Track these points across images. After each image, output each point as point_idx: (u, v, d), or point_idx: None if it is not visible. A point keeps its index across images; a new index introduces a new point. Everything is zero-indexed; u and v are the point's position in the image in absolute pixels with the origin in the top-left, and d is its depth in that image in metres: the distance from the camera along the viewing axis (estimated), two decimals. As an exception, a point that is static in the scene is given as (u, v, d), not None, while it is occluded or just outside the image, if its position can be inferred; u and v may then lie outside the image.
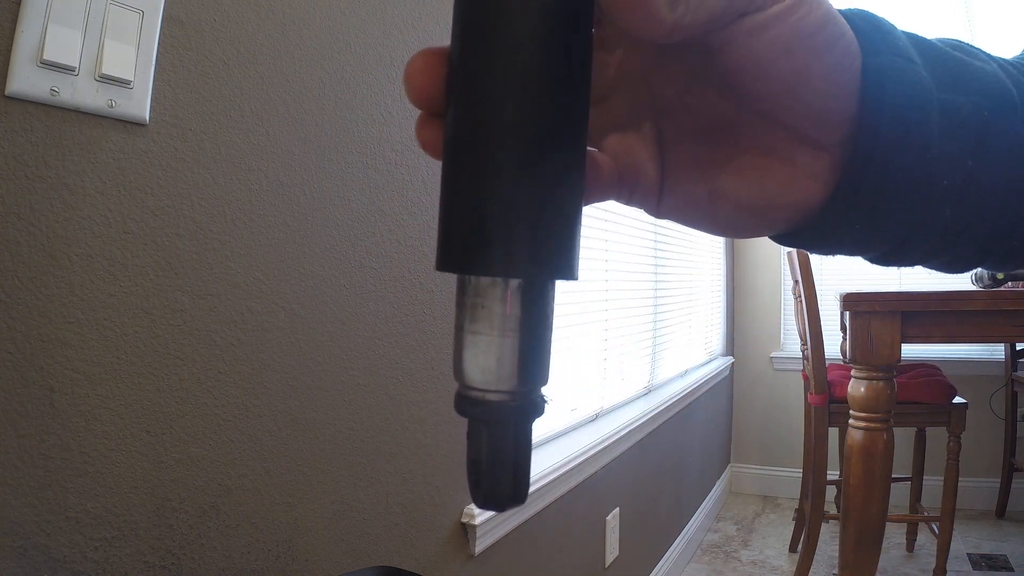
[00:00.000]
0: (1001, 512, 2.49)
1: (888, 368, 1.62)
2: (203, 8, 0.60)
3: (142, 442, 0.54)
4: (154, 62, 0.55)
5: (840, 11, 0.20)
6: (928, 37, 0.22)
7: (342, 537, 0.75)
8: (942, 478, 1.84)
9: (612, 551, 1.55)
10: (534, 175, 0.16)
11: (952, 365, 2.55)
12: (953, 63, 0.20)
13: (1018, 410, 2.52)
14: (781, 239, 0.23)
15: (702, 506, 2.50)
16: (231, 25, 0.62)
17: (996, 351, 2.69)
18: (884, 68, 0.19)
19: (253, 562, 0.64)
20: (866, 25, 0.20)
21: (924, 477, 2.15)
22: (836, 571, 1.86)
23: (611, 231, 1.70)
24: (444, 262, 0.17)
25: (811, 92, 0.19)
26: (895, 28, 0.21)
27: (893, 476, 1.39)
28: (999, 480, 2.51)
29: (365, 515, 0.79)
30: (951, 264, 0.23)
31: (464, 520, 0.97)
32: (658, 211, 0.23)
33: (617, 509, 1.59)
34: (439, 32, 0.93)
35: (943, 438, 1.89)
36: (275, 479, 0.67)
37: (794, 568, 1.99)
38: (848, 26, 0.19)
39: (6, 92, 0.46)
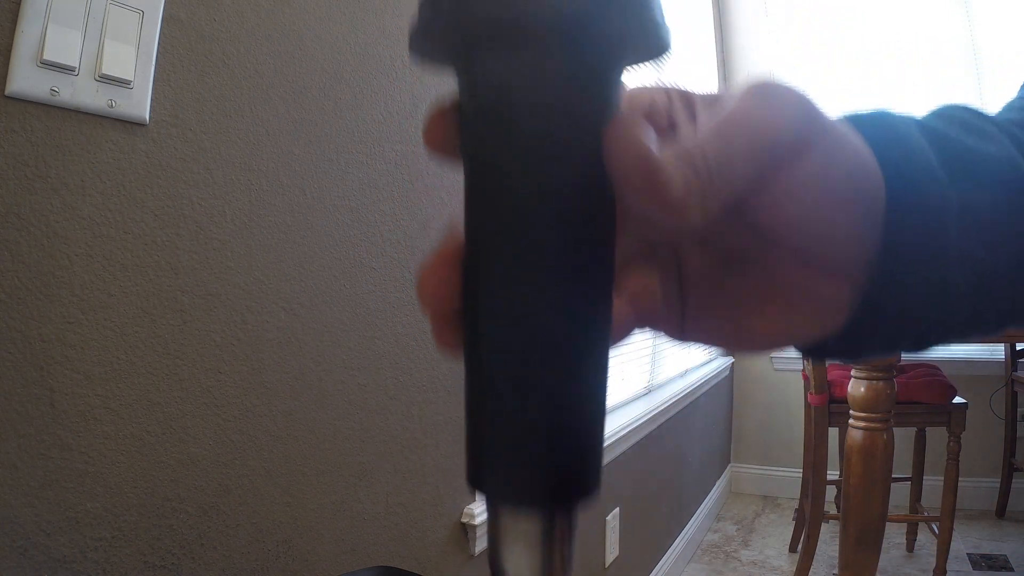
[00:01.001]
0: (1001, 512, 2.49)
1: (888, 368, 1.62)
2: (203, 8, 0.60)
3: (142, 442, 0.54)
4: (154, 62, 0.55)
5: (856, 118, 0.20)
6: (937, 117, 0.22)
7: (342, 537, 0.75)
8: (942, 478, 1.84)
9: (612, 551, 1.55)
10: (551, 393, 0.15)
11: (952, 365, 2.55)
12: (967, 154, 0.21)
13: (1018, 410, 2.52)
14: (803, 353, 0.23)
15: (702, 506, 2.50)
16: (231, 25, 0.62)
17: (996, 351, 2.69)
18: (907, 192, 0.19)
19: (253, 562, 0.64)
20: (884, 138, 0.20)
21: (924, 477, 2.15)
22: (836, 571, 1.86)
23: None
24: (468, 476, 0.16)
25: (838, 237, 0.19)
26: (910, 127, 0.21)
27: (893, 476, 1.39)
28: (999, 480, 2.51)
29: (365, 515, 0.79)
30: (975, 337, 0.23)
31: (464, 520, 0.97)
32: (680, 339, 0.23)
33: (617, 509, 1.58)
34: (439, 32, 0.93)
35: (943, 438, 1.89)
36: (275, 479, 0.67)
37: (794, 568, 1.99)
38: (869, 153, 0.19)
39: (6, 92, 0.46)
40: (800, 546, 2.01)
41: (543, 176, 0.14)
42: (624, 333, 0.19)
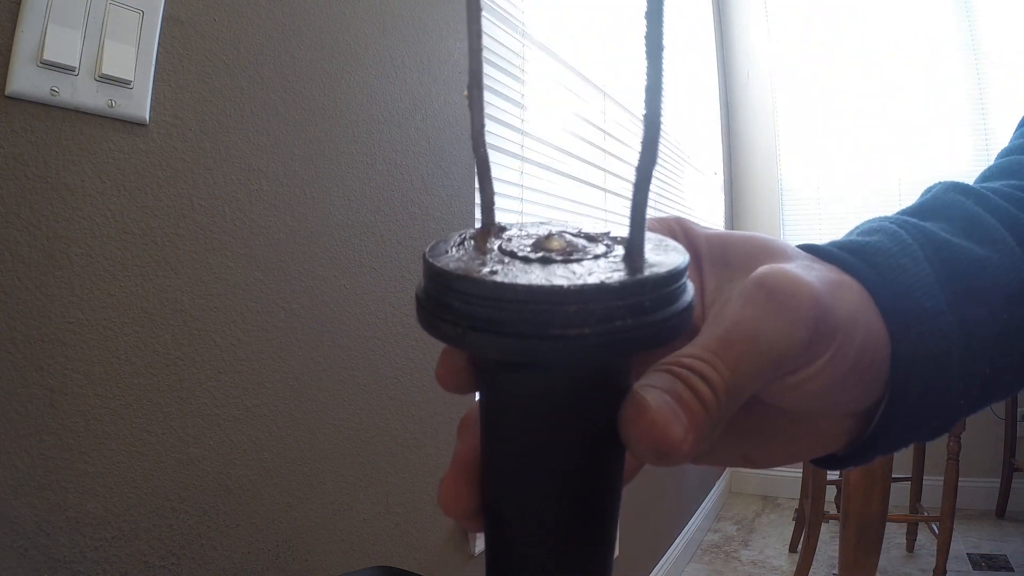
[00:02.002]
0: (1001, 512, 2.49)
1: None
2: (203, 8, 0.60)
3: (142, 442, 0.54)
4: (154, 62, 0.55)
5: (858, 253, 0.20)
6: (940, 209, 0.23)
7: (342, 537, 0.75)
8: (942, 478, 1.84)
9: (612, 551, 1.55)
10: None
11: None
12: (969, 267, 0.20)
13: (1018, 410, 2.52)
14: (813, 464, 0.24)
15: (702, 506, 2.50)
16: (231, 25, 0.62)
17: (996, 351, 2.68)
18: (912, 345, 0.19)
19: (253, 562, 0.64)
20: (888, 289, 0.19)
21: (924, 477, 2.15)
22: (836, 571, 1.86)
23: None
24: None
25: (842, 401, 0.19)
26: (915, 254, 0.20)
27: (893, 476, 1.39)
28: (999, 480, 2.51)
29: (365, 515, 0.79)
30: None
31: (464, 520, 0.97)
32: (691, 462, 0.23)
33: (617, 509, 1.58)
34: (438, 32, 0.93)
35: (943, 438, 1.88)
36: (275, 479, 0.67)
37: (794, 568, 1.99)
38: (877, 318, 0.19)
39: (6, 92, 0.46)
40: (800, 546, 2.02)
41: (556, 449, 0.15)
42: (634, 473, 0.21)
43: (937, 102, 2.83)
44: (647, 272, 0.14)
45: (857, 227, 0.23)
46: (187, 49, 0.58)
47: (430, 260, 0.15)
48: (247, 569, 0.63)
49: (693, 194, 2.56)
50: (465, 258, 0.15)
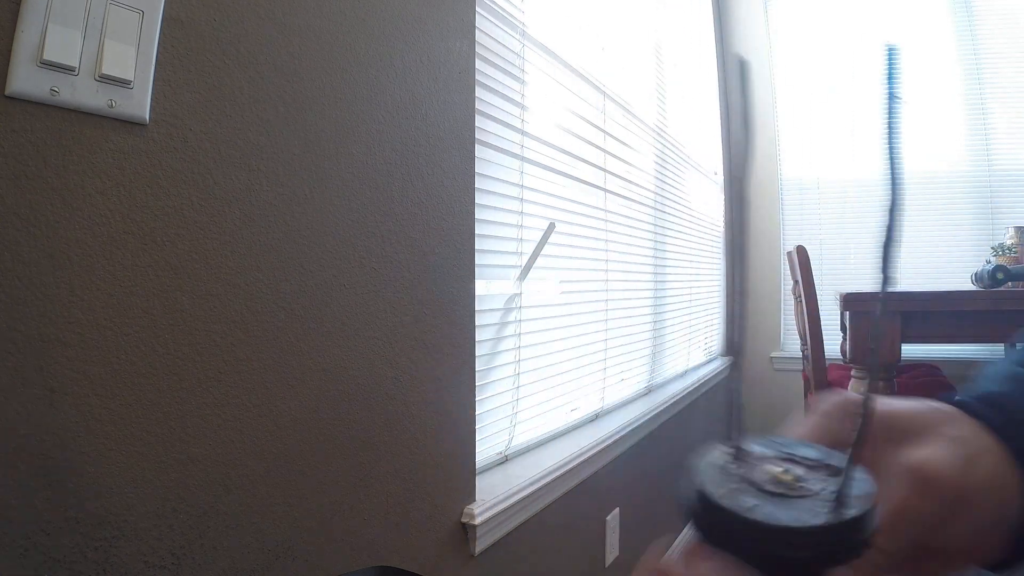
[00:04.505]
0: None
1: (888, 368, 1.62)
2: (203, 8, 0.60)
3: (142, 442, 0.54)
4: (154, 62, 0.55)
5: (994, 404, 0.25)
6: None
7: (342, 537, 0.75)
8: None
9: (612, 551, 1.55)
10: None
11: (952, 365, 2.55)
12: None
13: None
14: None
15: (702, 506, 2.50)
16: (231, 25, 0.62)
17: (996, 351, 2.68)
18: None
19: (253, 562, 0.64)
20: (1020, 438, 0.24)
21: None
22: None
23: (611, 231, 1.70)
24: None
25: (983, 534, 0.24)
26: None
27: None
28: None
29: (365, 515, 0.79)
30: None
31: (464, 520, 0.97)
32: None
33: (617, 509, 1.58)
34: (438, 32, 0.93)
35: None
36: (275, 479, 0.67)
37: None
38: (1010, 467, 0.23)
39: (6, 92, 0.46)
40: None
41: None
42: None
43: (937, 101, 2.83)
44: (850, 515, 0.20)
45: (994, 369, 0.28)
46: (187, 49, 0.58)
47: (715, 499, 0.21)
48: (247, 569, 0.63)
49: (695, 193, 2.56)
50: (729, 492, 0.21)
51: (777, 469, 0.22)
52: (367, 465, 0.79)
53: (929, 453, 0.23)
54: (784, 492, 0.20)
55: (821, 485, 0.21)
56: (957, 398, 0.26)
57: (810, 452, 0.23)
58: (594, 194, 1.60)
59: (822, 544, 0.19)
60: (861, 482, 0.21)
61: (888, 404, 0.26)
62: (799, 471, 0.21)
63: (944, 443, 0.23)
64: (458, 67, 0.98)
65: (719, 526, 0.20)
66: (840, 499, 0.20)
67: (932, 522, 0.22)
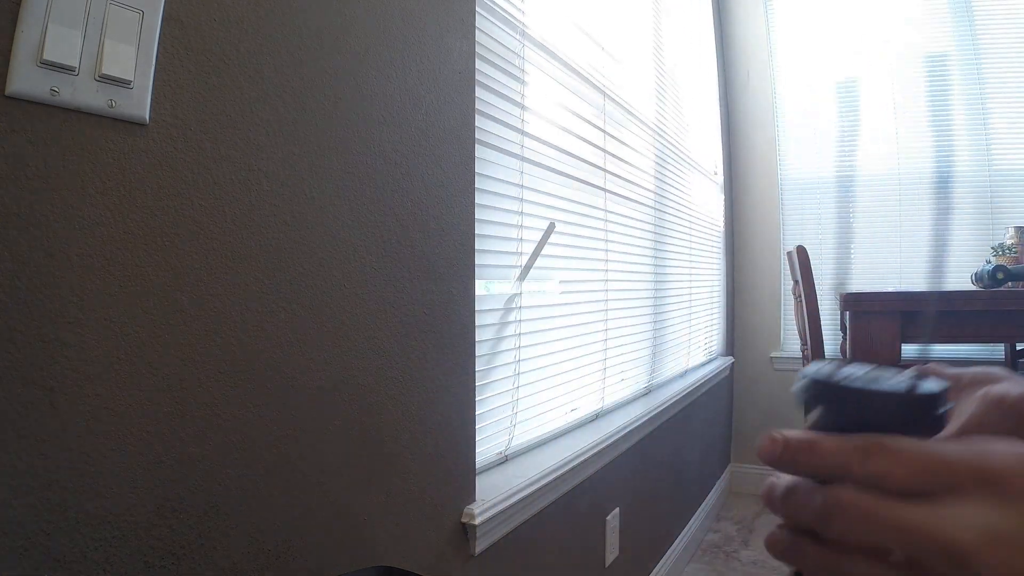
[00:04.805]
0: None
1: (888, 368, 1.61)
2: (203, 8, 0.60)
3: (142, 442, 0.54)
4: (154, 62, 0.55)
5: None
6: None
7: (342, 537, 0.75)
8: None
9: (612, 551, 1.55)
10: None
11: (952, 365, 2.54)
12: None
13: None
14: None
15: (702, 506, 2.50)
16: (231, 25, 0.62)
17: (996, 351, 2.69)
18: None
19: (253, 561, 0.64)
20: None
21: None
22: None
23: (611, 231, 1.70)
24: None
25: None
26: None
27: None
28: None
29: (365, 515, 0.79)
30: None
31: (464, 520, 0.97)
32: None
33: (617, 509, 1.58)
34: (438, 32, 0.93)
35: (943, 438, 1.88)
36: (275, 479, 0.67)
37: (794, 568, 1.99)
38: None
39: (6, 92, 0.46)
40: (800, 546, 2.01)
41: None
42: None
43: (938, 101, 2.83)
44: (926, 389, 0.25)
45: None
46: (187, 49, 0.58)
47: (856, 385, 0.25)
48: (247, 569, 0.63)
49: (695, 193, 2.56)
50: (833, 374, 0.26)
51: (866, 368, 0.27)
52: (367, 465, 0.79)
53: (1002, 384, 0.29)
54: (874, 378, 0.25)
55: (902, 378, 0.26)
56: None
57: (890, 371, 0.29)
58: (594, 194, 1.60)
59: (902, 409, 0.24)
60: (936, 381, 0.26)
61: (966, 371, 0.34)
62: (884, 372, 0.26)
63: (1012, 382, 0.29)
64: (458, 67, 0.98)
65: (825, 396, 0.25)
66: (917, 382, 0.25)
67: (1002, 431, 0.26)
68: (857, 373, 0.26)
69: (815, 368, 0.27)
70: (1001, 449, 0.22)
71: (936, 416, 0.24)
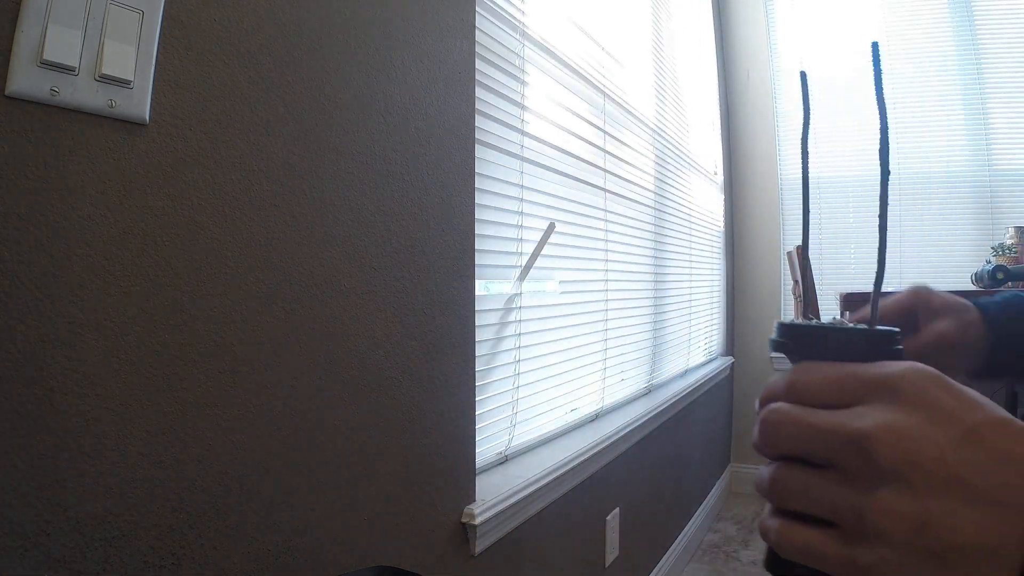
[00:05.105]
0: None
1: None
2: (203, 8, 0.60)
3: (142, 442, 0.54)
4: (154, 62, 0.55)
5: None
6: None
7: (342, 537, 0.75)
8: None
9: (612, 551, 1.55)
10: None
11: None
12: None
13: (1018, 410, 2.52)
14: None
15: (702, 506, 2.50)
16: (231, 25, 0.62)
17: (996, 351, 2.68)
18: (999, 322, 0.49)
19: (253, 562, 0.64)
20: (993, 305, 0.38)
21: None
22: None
23: (611, 231, 1.70)
24: None
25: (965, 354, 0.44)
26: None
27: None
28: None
29: (365, 515, 0.79)
30: None
31: (464, 520, 0.97)
32: None
33: (617, 509, 1.58)
34: (438, 32, 0.93)
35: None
36: (275, 479, 0.67)
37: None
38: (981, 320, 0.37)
39: (6, 92, 0.46)
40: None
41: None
42: None
43: (938, 101, 2.83)
44: (887, 328, 0.28)
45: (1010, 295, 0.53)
46: (187, 49, 0.58)
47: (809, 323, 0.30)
48: (247, 569, 0.63)
49: (695, 194, 2.56)
50: (804, 323, 0.30)
51: (831, 319, 0.31)
52: (367, 465, 0.79)
53: (944, 325, 0.49)
54: (838, 325, 0.29)
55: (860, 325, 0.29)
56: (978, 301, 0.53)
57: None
58: (594, 194, 1.60)
59: (862, 342, 0.27)
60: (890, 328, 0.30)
61: (936, 293, 0.51)
62: (845, 321, 0.30)
63: (953, 321, 0.48)
64: (458, 67, 0.98)
65: (799, 338, 0.29)
66: (876, 325, 0.29)
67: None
68: (822, 321, 0.30)
69: (787, 319, 0.31)
70: (899, 365, 0.25)
71: (893, 351, 0.28)
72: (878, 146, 0.28)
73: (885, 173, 0.28)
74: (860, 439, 0.24)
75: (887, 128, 0.28)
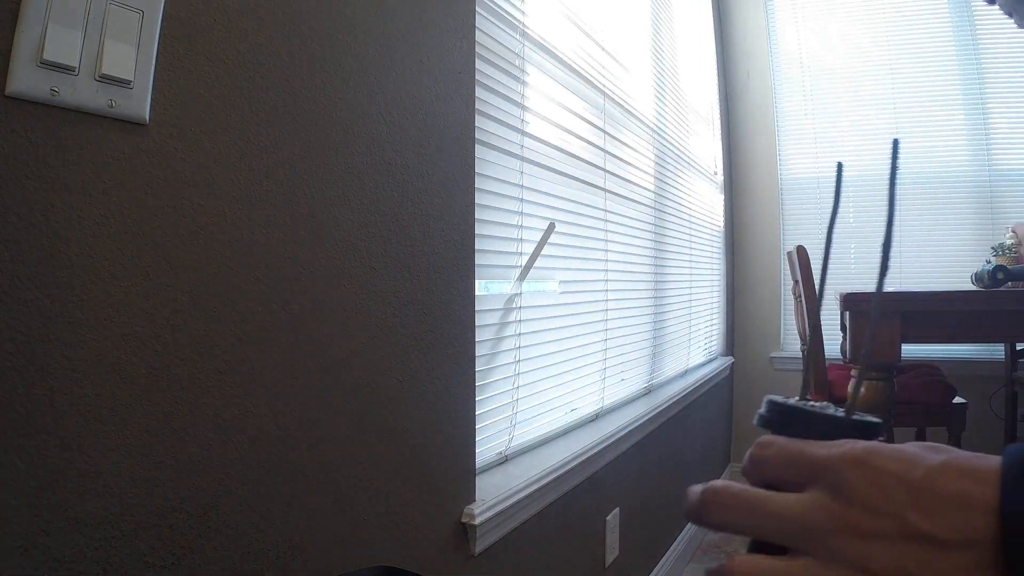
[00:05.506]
0: (1001, 512, 2.49)
1: (888, 368, 1.62)
2: (203, 8, 0.60)
3: (142, 442, 0.54)
4: (154, 62, 0.55)
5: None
6: None
7: (342, 537, 0.75)
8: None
9: (612, 551, 1.55)
10: None
11: (952, 365, 2.55)
12: None
13: (1018, 410, 2.52)
14: None
15: (702, 506, 2.50)
16: (231, 25, 0.62)
17: (996, 351, 2.69)
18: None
19: (253, 562, 0.64)
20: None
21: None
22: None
23: (611, 231, 1.70)
24: None
25: None
26: None
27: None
28: (999, 480, 2.51)
29: (365, 515, 0.79)
30: None
31: (464, 520, 0.97)
32: None
33: (617, 509, 1.59)
34: (438, 31, 0.93)
35: (943, 438, 1.88)
36: (275, 479, 0.67)
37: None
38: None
39: (6, 92, 0.46)
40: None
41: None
42: None
43: (938, 101, 2.83)
44: (869, 418, 0.29)
45: None
46: (187, 49, 0.58)
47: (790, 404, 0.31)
48: (247, 569, 0.63)
49: (695, 193, 2.56)
50: (793, 403, 0.31)
51: (818, 404, 0.31)
52: (367, 465, 0.79)
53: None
54: (821, 409, 0.30)
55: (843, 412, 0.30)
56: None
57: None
58: (594, 194, 1.60)
59: (841, 431, 0.28)
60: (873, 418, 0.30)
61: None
62: (831, 407, 0.31)
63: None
64: (458, 67, 0.98)
65: (786, 417, 0.30)
66: (858, 413, 0.30)
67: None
68: (809, 404, 0.31)
69: (776, 397, 0.32)
70: (848, 446, 0.25)
71: (874, 437, 0.28)
72: (882, 240, 0.30)
73: (884, 269, 0.29)
74: (803, 526, 0.24)
75: (892, 220, 0.29)
